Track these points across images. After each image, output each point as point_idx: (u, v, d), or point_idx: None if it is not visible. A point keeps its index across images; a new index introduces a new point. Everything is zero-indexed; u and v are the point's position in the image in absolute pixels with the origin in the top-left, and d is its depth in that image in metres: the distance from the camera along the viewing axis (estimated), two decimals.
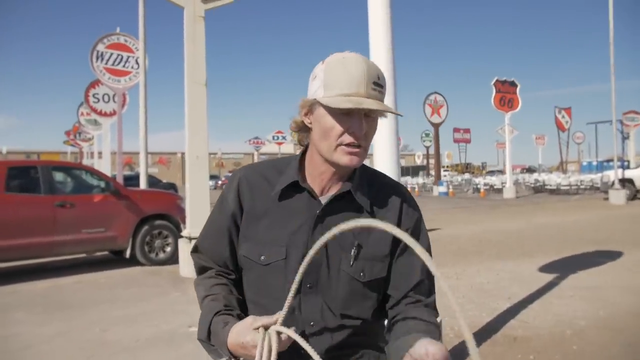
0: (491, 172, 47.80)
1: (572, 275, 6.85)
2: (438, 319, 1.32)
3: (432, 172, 39.61)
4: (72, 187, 8.56)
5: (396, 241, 1.30)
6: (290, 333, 1.12)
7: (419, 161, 63.61)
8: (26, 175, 7.86)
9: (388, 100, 3.58)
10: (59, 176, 8.55)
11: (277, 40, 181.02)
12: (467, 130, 45.13)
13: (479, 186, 30.65)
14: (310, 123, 1.30)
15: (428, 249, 1.33)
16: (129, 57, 15.02)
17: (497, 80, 25.29)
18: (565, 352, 4.13)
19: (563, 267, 7.35)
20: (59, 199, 7.84)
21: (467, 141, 46.47)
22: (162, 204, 9.07)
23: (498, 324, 4.87)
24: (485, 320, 4.99)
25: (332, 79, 1.22)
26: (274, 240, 1.30)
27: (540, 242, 10.00)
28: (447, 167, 57.80)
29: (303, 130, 1.35)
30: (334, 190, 1.33)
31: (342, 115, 1.23)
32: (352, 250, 1.29)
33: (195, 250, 1.47)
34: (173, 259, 8.54)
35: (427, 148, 45.40)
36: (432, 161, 42.72)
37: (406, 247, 1.30)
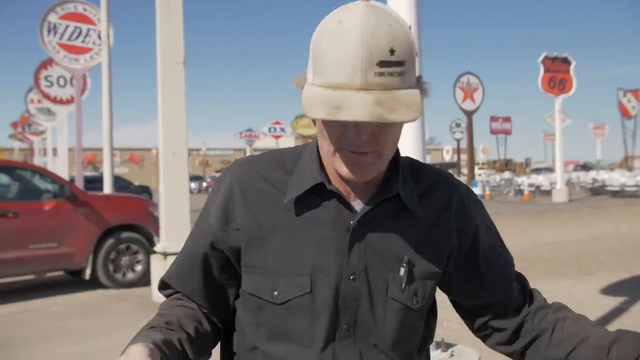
0: (537, 170, 47.68)
1: None
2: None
3: (464, 171, 39.53)
4: (15, 193, 8.48)
5: (461, 248, 1.24)
6: None
7: (447, 157, 63.56)
8: None
9: None
10: (0, 179, 8.49)
11: (273, 8, 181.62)
12: (507, 119, 45.02)
13: (522, 187, 30.57)
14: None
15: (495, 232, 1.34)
16: (89, 29, 14.99)
17: (545, 57, 25.20)
18: None
19: (632, 289, 7.29)
20: None
21: (508, 132, 46.35)
22: (131, 212, 9.01)
23: None
24: None
25: (319, 60, 1.02)
26: (292, 269, 1.15)
27: (601, 257, 9.93)
28: (483, 164, 57.72)
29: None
30: (366, 194, 1.17)
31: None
32: (402, 270, 1.15)
33: (163, 287, 1.31)
34: (144, 280, 8.49)
35: (458, 141, 45.27)
36: (463, 157, 42.60)
37: (484, 247, 1.27)
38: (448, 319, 6.18)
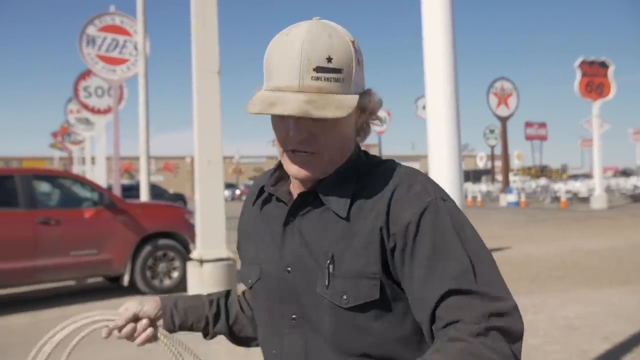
0: (574, 177, 46.81)
1: None
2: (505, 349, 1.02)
3: (499, 177, 39.10)
4: (57, 201, 8.71)
5: (394, 249, 1.13)
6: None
7: (481, 164, 62.81)
8: (2, 186, 8.01)
9: (445, 91, 3.46)
10: (41, 187, 8.72)
11: (305, 15, 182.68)
12: (542, 125, 44.46)
13: (558, 194, 30.06)
14: None
15: (447, 250, 1.11)
16: (126, 41, 15.31)
17: (583, 61, 24.83)
18: None
19: None
20: (42, 215, 7.96)
21: (543, 138, 45.75)
22: (168, 219, 9.15)
23: None
24: None
25: (267, 67, 1.17)
26: (253, 258, 1.33)
27: None
28: (518, 170, 56.96)
29: None
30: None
31: (278, 116, 1.16)
32: (327, 265, 1.16)
33: None
34: (180, 286, 8.57)
35: (492, 147, 44.85)
36: (498, 163, 42.16)
37: (411, 253, 1.11)
38: None
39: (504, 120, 30.81)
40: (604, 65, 25.21)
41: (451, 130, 3.42)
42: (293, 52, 1.10)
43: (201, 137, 7.94)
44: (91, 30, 14.92)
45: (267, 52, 1.17)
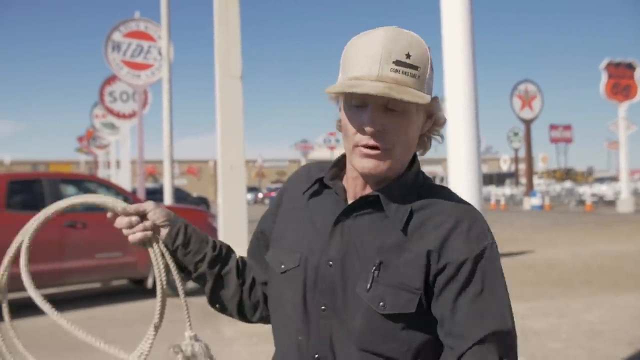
0: (600, 180, 46.21)
1: None
2: None
3: (523, 180, 38.76)
4: (84, 204, 8.86)
5: (439, 274, 1.19)
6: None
7: (505, 167, 62.27)
8: (30, 190, 8.20)
9: (464, 94, 3.48)
10: (68, 191, 8.85)
11: (330, 19, 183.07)
12: (567, 127, 43.94)
13: (583, 197, 29.75)
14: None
15: (496, 297, 1.19)
16: (150, 46, 15.52)
17: (609, 63, 24.60)
18: None
19: None
20: (68, 218, 8.08)
21: (568, 140, 45.22)
22: (191, 222, 9.21)
23: None
24: None
25: (346, 60, 1.22)
26: (292, 245, 1.34)
27: None
28: (542, 173, 56.41)
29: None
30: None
31: (355, 108, 1.21)
32: (373, 270, 1.21)
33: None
34: (203, 289, 8.66)
35: (516, 150, 44.48)
36: (522, 166, 41.80)
37: (461, 287, 1.18)
38: None
39: (527, 122, 30.56)
40: (630, 67, 24.92)
41: (470, 133, 3.44)
42: (375, 46, 1.16)
43: (224, 141, 8.05)
44: (116, 36, 15.15)
45: (346, 49, 1.23)
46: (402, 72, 1.15)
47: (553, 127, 43.39)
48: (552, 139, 43.91)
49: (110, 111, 20.00)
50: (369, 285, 1.20)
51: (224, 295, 1.49)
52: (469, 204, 1.28)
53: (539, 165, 61.33)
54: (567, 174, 54.35)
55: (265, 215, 1.50)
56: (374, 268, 1.20)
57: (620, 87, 24.53)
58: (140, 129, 15.35)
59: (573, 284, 8.71)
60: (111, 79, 19.04)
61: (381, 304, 1.19)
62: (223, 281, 1.48)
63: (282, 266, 1.33)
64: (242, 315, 1.51)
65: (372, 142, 1.19)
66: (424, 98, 1.16)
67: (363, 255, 1.22)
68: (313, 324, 1.26)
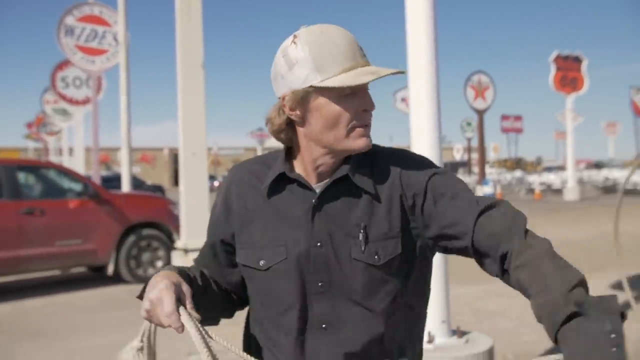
0: (548, 169, 47.51)
1: None
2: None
3: (475, 170, 39.50)
4: (41, 191, 8.77)
5: (412, 208, 1.40)
6: (189, 324, 1.22)
7: (458, 156, 63.24)
8: None
9: (427, 86, 3.68)
10: (24, 178, 8.75)
11: (283, 7, 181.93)
12: (518, 118, 44.85)
13: (533, 186, 30.60)
14: (302, 117, 1.38)
15: (452, 178, 1.43)
16: (105, 32, 15.23)
17: (557, 56, 25.21)
18: None
19: None
20: (26, 205, 8.06)
21: (519, 131, 46.17)
22: (151, 210, 9.29)
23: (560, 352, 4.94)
24: (545, 347, 5.06)
25: (325, 58, 1.31)
26: (271, 241, 1.42)
27: (613, 254, 9.97)
28: (494, 163, 57.52)
29: (286, 131, 1.43)
30: (324, 177, 1.43)
31: (346, 97, 1.34)
32: (360, 235, 1.38)
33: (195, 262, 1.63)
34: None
35: (469, 140, 45.23)
36: (474, 156, 42.54)
37: (440, 196, 1.38)
38: (461, 312, 6.39)
39: (480, 113, 31.07)
40: (577, 60, 25.64)
41: (432, 124, 3.63)
42: (345, 39, 1.35)
43: (186, 129, 8.07)
44: (70, 20, 14.81)
45: (315, 49, 1.32)
46: (366, 57, 1.38)
47: (504, 117, 44.18)
48: (504, 129, 44.74)
49: (63, 97, 19.54)
50: (363, 248, 1.37)
51: (214, 311, 1.54)
52: (398, 149, 1.50)
53: (491, 155, 62.48)
54: (518, 164, 55.61)
55: (214, 224, 1.53)
56: (361, 233, 1.37)
57: (567, 80, 25.21)
58: (95, 116, 15.11)
59: None
60: (63, 63, 18.58)
61: (376, 257, 1.37)
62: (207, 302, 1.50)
63: (261, 262, 1.42)
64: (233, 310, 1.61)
65: (370, 120, 1.39)
66: (400, 70, 1.38)
67: (346, 227, 1.38)
68: (314, 300, 1.39)
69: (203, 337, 1.22)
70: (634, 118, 41.63)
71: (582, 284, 1.12)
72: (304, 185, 1.42)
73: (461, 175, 43.37)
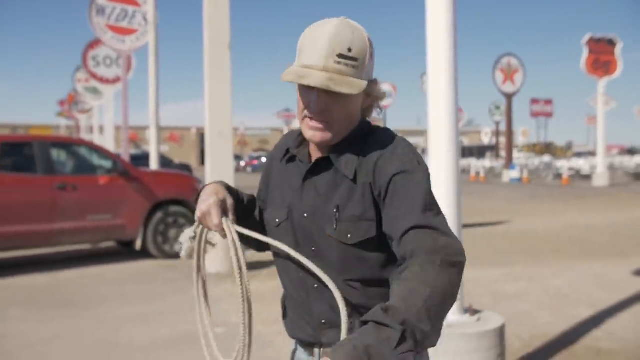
0: (578, 154, 46.81)
1: None
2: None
3: (503, 154, 39.18)
4: (73, 167, 9.01)
5: (378, 197, 1.49)
6: (228, 232, 1.56)
7: (486, 140, 62.88)
8: (21, 153, 8.36)
9: (446, 68, 3.75)
10: (58, 154, 9.00)
11: None
12: (548, 102, 44.37)
13: (561, 171, 30.21)
14: None
15: (416, 179, 1.45)
16: (135, 11, 15.42)
17: (590, 39, 24.76)
18: None
19: None
20: (59, 181, 8.29)
21: (549, 115, 45.69)
22: (178, 187, 9.48)
23: (577, 333, 5.03)
24: (562, 329, 5.15)
25: (301, 48, 1.48)
26: (281, 203, 1.64)
27: (639, 240, 9.96)
28: (523, 147, 56.94)
29: None
30: (318, 155, 1.60)
31: (305, 88, 1.48)
32: (334, 213, 1.51)
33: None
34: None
35: (497, 124, 44.90)
36: (502, 140, 42.20)
37: (391, 199, 1.45)
38: (480, 294, 6.48)
39: (509, 96, 30.78)
40: (611, 43, 25.14)
41: (449, 109, 3.70)
42: (323, 40, 1.43)
43: (212, 109, 8.23)
44: (101, 0, 15.06)
45: (303, 36, 1.49)
46: (344, 64, 1.42)
47: (534, 101, 43.73)
48: (533, 113, 44.28)
49: (94, 76, 19.87)
50: (334, 226, 1.51)
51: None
52: (396, 135, 1.57)
53: (520, 139, 61.86)
54: (547, 148, 54.93)
55: (260, 182, 1.78)
56: (335, 211, 1.51)
57: (600, 63, 24.77)
58: (125, 95, 15.34)
59: (544, 252, 9.06)
60: (94, 43, 18.85)
61: (348, 236, 1.49)
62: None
63: (277, 220, 1.62)
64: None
65: (317, 116, 1.48)
66: (359, 86, 1.44)
67: (326, 205, 1.53)
68: (313, 260, 1.52)
69: (236, 245, 1.54)
70: None
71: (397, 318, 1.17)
72: (300, 160, 1.61)
73: (488, 159, 43.08)
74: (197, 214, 1.59)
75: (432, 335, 1.21)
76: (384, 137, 1.57)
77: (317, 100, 1.46)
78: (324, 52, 1.42)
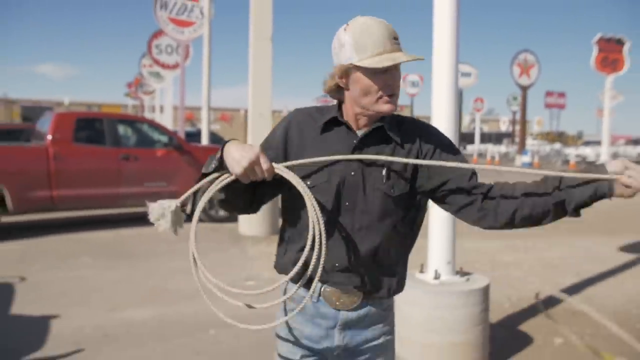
0: (587, 143, 45.70)
1: None
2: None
3: (518, 140, 38.54)
4: (135, 141, 9.28)
5: (420, 166, 1.69)
6: (285, 172, 1.58)
7: (504, 127, 61.66)
8: (93, 127, 8.64)
9: (448, 57, 3.83)
10: (123, 129, 9.30)
11: None
12: (561, 95, 43.20)
13: (568, 158, 29.69)
14: (346, 84, 1.66)
15: (459, 156, 1.72)
16: (193, 6, 15.61)
17: (600, 38, 24.04)
18: (628, 326, 4.37)
19: None
20: (124, 152, 8.60)
21: (561, 107, 44.50)
22: None
23: (559, 298, 5.12)
24: (546, 293, 5.25)
25: (362, 44, 1.56)
26: (317, 166, 1.66)
27: (630, 220, 9.87)
28: (537, 135, 55.78)
29: (335, 91, 1.71)
30: (366, 127, 1.71)
31: (376, 73, 1.57)
32: (383, 171, 1.66)
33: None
34: (232, 217, 9.12)
35: (514, 113, 44.00)
36: (519, 128, 41.49)
37: (441, 157, 1.69)
38: (479, 261, 6.57)
39: (525, 89, 30.21)
40: (620, 42, 24.37)
41: (449, 91, 3.81)
42: (380, 31, 1.56)
43: (255, 93, 8.43)
44: None
45: (355, 36, 1.57)
46: (398, 44, 1.59)
47: (548, 93, 42.66)
48: (547, 104, 43.22)
49: (157, 62, 20.21)
50: (384, 180, 1.67)
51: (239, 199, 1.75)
52: (421, 122, 1.78)
53: (534, 128, 60.50)
54: (559, 137, 53.73)
55: (270, 142, 1.74)
56: (384, 170, 1.67)
57: (609, 61, 24.07)
58: (182, 79, 15.66)
59: (542, 228, 8.94)
60: (158, 33, 19.14)
61: (392, 190, 1.67)
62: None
63: (308, 182, 1.64)
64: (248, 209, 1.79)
65: (395, 91, 1.63)
66: (415, 55, 1.58)
67: (375, 165, 1.67)
68: (343, 213, 1.68)
69: (296, 180, 1.57)
70: None
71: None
72: (349, 129, 1.69)
73: (504, 145, 42.42)
74: (244, 163, 1.51)
75: None
76: (419, 122, 1.79)
77: (397, 77, 1.63)
78: (386, 38, 1.56)
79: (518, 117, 41.17)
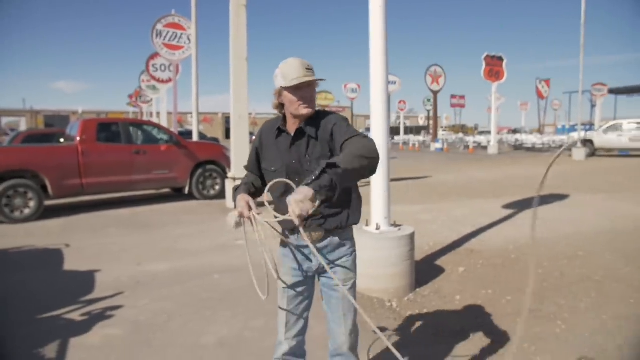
0: (481, 133, 47.21)
1: (527, 210, 7.30)
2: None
3: (431, 132, 39.35)
4: (144, 139, 9.12)
5: (331, 142, 1.91)
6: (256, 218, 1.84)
7: (421, 122, 62.83)
8: (110, 130, 8.51)
9: (381, 71, 4.05)
10: (134, 130, 9.16)
11: (302, 17, 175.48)
12: (462, 97, 44.18)
13: (468, 144, 30.63)
14: (282, 100, 1.95)
15: (344, 125, 1.89)
16: (182, 34, 15.33)
17: (487, 55, 24.84)
18: (505, 258, 4.77)
19: (521, 205, 7.77)
20: (135, 148, 8.51)
21: (462, 106, 45.56)
22: (213, 152, 9.60)
23: (462, 242, 5.47)
24: (453, 240, 5.59)
25: (286, 73, 1.88)
26: (276, 158, 1.98)
27: (509, 187, 10.28)
28: (446, 128, 57.09)
29: (280, 107, 1.99)
30: (295, 128, 1.96)
31: (297, 90, 1.89)
32: (308, 157, 1.94)
33: (245, 169, 2.20)
34: (221, 195, 9.19)
35: (428, 112, 44.90)
36: (432, 122, 42.31)
37: (335, 135, 1.89)
38: (406, 221, 6.84)
39: (435, 93, 30.85)
40: (500, 59, 25.18)
41: (381, 96, 4.04)
42: (296, 64, 1.87)
43: (235, 101, 8.42)
44: (159, 26, 14.92)
45: (282, 70, 1.88)
46: (311, 72, 1.87)
47: (453, 96, 43.55)
48: (452, 104, 44.14)
49: (153, 77, 19.66)
50: (309, 164, 1.92)
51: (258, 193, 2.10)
52: (329, 112, 2.00)
53: (444, 122, 61.84)
54: (462, 129, 55.16)
55: (253, 151, 2.09)
56: (307, 156, 1.93)
57: (493, 72, 24.91)
58: (175, 91, 15.45)
59: (451, 195, 9.31)
60: (154, 55, 18.57)
61: (316, 165, 1.88)
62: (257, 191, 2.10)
63: (272, 168, 1.98)
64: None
65: (310, 103, 1.90)
66: (319, 83, 1.90)
67: (305, 154, 1.93)
68: (296, 183, 1.91)
69: (258, 228, 1.86)
70: (537, 99, 41.10)
71: (333, 166, 1.62)
72: (288, 134, 1.98)
73: (422, 135, 43.28)
74: (238, 211, 1.87)
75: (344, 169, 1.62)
76: (328, 113, 1.99)
77: (309, 92, 1.89)
78: (301, 68, 1.85)
79: (432, 114, 42.14)
